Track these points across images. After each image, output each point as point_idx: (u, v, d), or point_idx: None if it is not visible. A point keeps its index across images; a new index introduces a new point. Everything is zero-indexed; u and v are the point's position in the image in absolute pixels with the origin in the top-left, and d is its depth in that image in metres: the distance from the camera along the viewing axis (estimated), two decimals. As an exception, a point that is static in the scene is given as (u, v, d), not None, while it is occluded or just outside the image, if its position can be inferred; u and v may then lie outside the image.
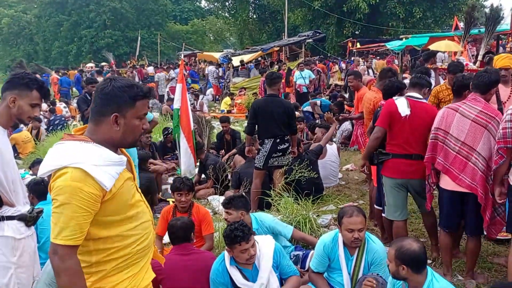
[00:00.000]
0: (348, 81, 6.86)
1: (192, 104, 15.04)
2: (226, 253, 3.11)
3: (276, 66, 17.14)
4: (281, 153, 5.44)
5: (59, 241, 1.72)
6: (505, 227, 3.59)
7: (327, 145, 6.81)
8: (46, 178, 1.83)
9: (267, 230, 3.93)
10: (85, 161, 1.74)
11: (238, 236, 2.94)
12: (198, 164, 7.33)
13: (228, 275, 3.05)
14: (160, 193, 6.60)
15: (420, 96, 4.02)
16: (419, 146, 3.89)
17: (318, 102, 11.11)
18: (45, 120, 11.85)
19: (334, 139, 9.50)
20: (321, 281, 3.39)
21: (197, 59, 25.07)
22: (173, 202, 4.64)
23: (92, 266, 1.87)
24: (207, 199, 6.40)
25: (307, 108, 11.19)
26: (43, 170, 1.79)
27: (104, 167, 1.77)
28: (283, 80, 13.63)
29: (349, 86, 10.84)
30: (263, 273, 3.05)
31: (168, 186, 6.59)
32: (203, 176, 7.10)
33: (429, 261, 4.17)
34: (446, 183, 3.68)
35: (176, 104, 6.82)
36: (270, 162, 5.44)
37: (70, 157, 1.75)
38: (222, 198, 6.16)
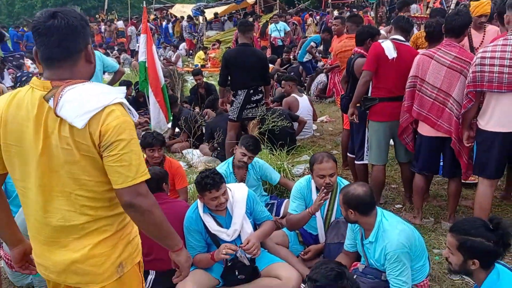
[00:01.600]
0: (333, 25, 6.70)
1: (168, 56, 14.69)
2: (199, 201, 3.11)
3: (251, 19, 16.75)
4: (255, 104, 5.38)
5: (140, 178, 1.56)
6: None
7: (298, 98, 6.79)
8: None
9: (259, 171, 4.07)
10: (116, 96, 1.58)
11: (208, 183, 2.93)
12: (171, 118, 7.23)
13: (202, 222, 3.06)
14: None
15: (404, 39, 4.00)
16: (404, 88, 3.88)
17: (313, 43, 10.53)
18: (11, 76, 11.42)
19: (309, 92, 9.50)
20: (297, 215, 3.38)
21: (169, 12, 24.24)
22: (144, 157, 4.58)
23: (124, 217, 1.71)
24: (182, 153, 6.36)
25: (306, 57, 10.50)
26: (83, 119, 1.49)
27: (124, 100, 1.63)
28: (256, 35, 13.42)
29: (323, 39, 10.67)
30: (236, 219, 3.08)
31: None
32: (177, 130, 7.02)
33: (398, 206, 4.30)
34: (425, 129, 3.73)
35: (142, 57, 6.57)
36: (244, 114, 5.38)
37: (103, 96, 1.54)
38: (196, 152, 6.16)
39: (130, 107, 1.64)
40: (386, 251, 2.60)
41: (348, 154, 4.89)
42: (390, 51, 3.82)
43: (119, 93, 1.60)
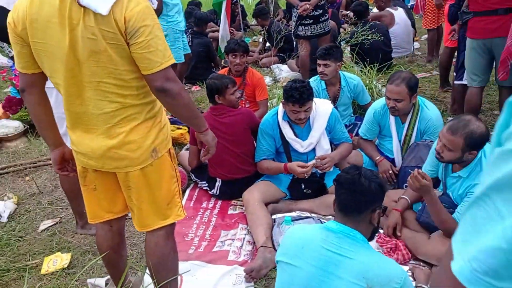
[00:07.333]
0: None
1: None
2: (280, 107, 3.04)
3: None
4: (312, 20, 4.94)
5: (167, 63, 1.59)
6: None
7: (392, 10, 6.15)
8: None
9: (352, 89, 3.85)
10: None
11: (294, 97, 2.80)
12: (264, 32, 7.08)
13: (278, 128, 3.01)
14: (223, 61, 6.56)
15: None
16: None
17: None
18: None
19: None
20: (370, 146, 3.30)
21: None
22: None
23: (153, 107, 1.75)
24: (270, 68, 6.25)
25: None
26: (107, 4, 1.47)
27: None
28: None
29: None
30: (315, 132, 2.98)
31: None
32: (268, 44, 6.88)
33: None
34: None
35: None
36: (302, 30, 4.99)
37: None
38: (284, 67, 6.03)
39: None
40: (473, 190, 2.32)
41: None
42: None
43: None
